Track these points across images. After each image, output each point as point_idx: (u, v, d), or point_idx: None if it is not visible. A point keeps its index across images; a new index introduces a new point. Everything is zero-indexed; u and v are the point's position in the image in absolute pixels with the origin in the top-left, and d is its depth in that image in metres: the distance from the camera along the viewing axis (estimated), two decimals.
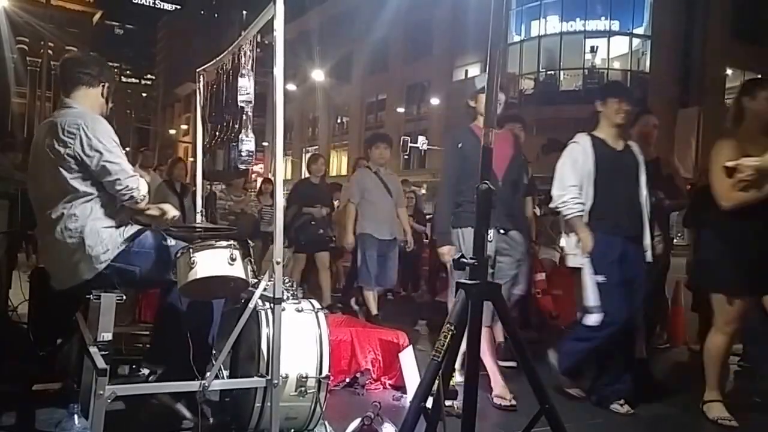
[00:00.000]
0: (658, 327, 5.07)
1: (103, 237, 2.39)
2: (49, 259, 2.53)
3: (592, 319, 3.26)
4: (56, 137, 2.35)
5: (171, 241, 2.55)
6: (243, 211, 6.84)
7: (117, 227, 2.45)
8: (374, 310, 5.27)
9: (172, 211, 2.62)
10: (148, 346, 2.92)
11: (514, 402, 3.23)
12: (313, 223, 5.96)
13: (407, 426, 1.99)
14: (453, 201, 3.40)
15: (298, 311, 2.63)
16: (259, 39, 2.62)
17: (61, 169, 2.35)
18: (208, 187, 6.42)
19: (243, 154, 2.56)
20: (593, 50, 26.09)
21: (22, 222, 3.64)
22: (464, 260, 2.03)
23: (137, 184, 2.41)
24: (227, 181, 7.23)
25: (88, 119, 2.40)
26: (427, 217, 8.21)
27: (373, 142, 5.63)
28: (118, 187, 2.38)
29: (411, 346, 3.50)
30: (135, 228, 2.51)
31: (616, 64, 26.11)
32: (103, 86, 2.59)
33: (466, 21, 21.37)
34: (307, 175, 6.53)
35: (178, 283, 2.34)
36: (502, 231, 3.33)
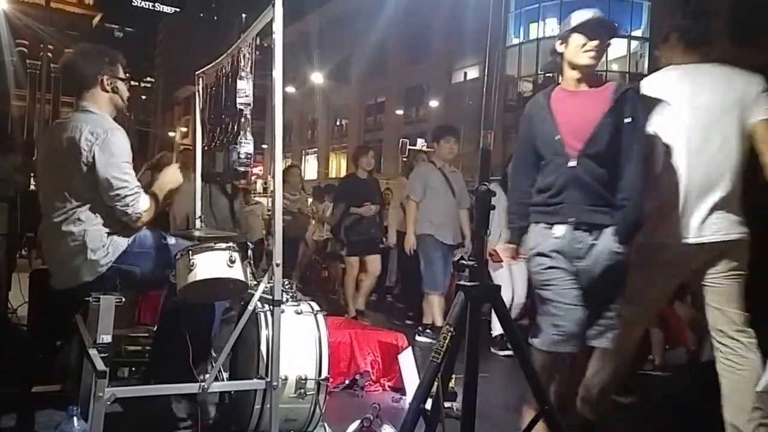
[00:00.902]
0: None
1: (105, 242, 2.39)
2: (51, 260, 2.52)
3: None
4: (73, 142, 2.35)
5: (171, 240, 2.55)
6: (300, 210, 6.35)
7: (120, 234, 2.44)
8: (439, 320, 4.67)
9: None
10: (147, 357, 2.91)
11: None
12: (363, 222, 5.47)
13: (406, 428, 2.00)
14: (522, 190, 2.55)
15: (298, 313, 2.63)
16: (258, 41, 2.62)
17: (71, 174, 2.35)
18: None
19: (242, 156, 2.56)
20: None
21: (22, 224, 3.63)
22: (464, 262, 2.04)
23: (136, 201, 2.38)
24: (284, 178, 6.83)
25: (108, 131, 2.38)
26: None
27: (441, 135, 5.04)
28: (117, 203, 2.36)
29: (410, 348, 3.50)
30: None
31: (615, 66, 26.12)
32: (103, 80, 2.51)
33: (465, 23, 21.39)
34: (354, 169, 5.88)
35: (178, 285, 2.33)
36: (583, 228, 2.34)
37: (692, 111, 2.43)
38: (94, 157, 2.33)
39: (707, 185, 2.41)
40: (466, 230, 5.00)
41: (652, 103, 2.49)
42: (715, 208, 2.40)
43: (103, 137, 2.35)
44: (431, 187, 4.88)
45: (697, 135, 2.42)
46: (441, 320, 4.59)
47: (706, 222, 2.40)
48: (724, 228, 2.40)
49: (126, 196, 2.36)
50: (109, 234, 2.41)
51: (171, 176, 2.62)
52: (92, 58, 2.55)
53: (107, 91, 2.54)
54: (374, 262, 5.57)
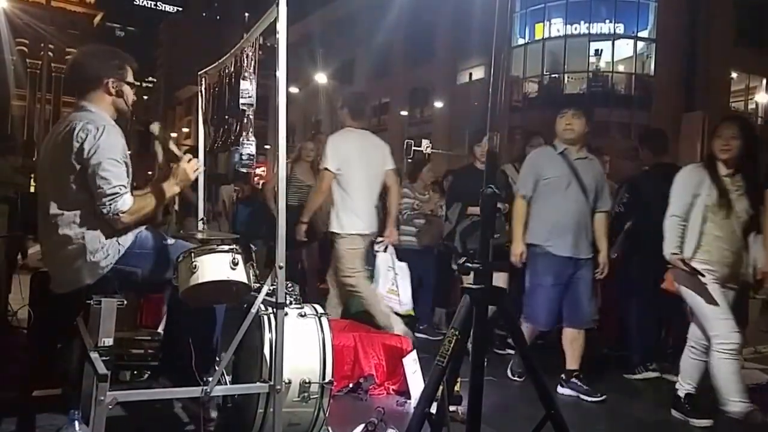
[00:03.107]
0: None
1: (104, 243, 2.37)
2: (50, 263, 2.51)
3: None
4: (67, 139, 2.34)
5: (170, 240, 2.53)
6: (432, 212, 5.40)
7: (119, 235, 2.42)
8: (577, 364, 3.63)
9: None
10: (152, 360, 2.89)
11: None
12: None
13: None
14: None
15: (301, 316, 2.60)
16: (261, 41, 2.60)
17: (66, 173, 2.33)
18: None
19: (244, 157, 2.54)
20: (598, 53, 26.03)
21: (22, 226, 3.62)
22: (469, 264, 2.01)
23: (114, 200, 2.30)
24: (413, 176, 5.70)
25: (100, 127, 2.35)
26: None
27: (558, 111, 3.86)
28: (97, 200, 2.31)
29: (414, 351, 3.48)
30: (135, 230, 2.48)
31: (621, 68, 26.04)
32: (108, 83, 2.49)
33: (470, 24, 21.34)
34: (472, 159, 4.76)
35: (180, 288, 2.32)
36: None
37: None
38: (84, 153, 2.30)
39: None
40: (600, 242, 3.77)
41: None
42: None
43: (94, 133, 2.32)
44: (546, 180, 3.70)
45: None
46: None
47: None
48: None
49: (106, 194, 2.29)
50: (107, 236, 2.38)
51: (184, 174, 2.54)
52: (101, 59, 2.53)
53: (111, 94, 2.51)
54: (498, 282, 4.53)
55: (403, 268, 4.50)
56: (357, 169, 4.02)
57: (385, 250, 4.40)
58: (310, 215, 4.24)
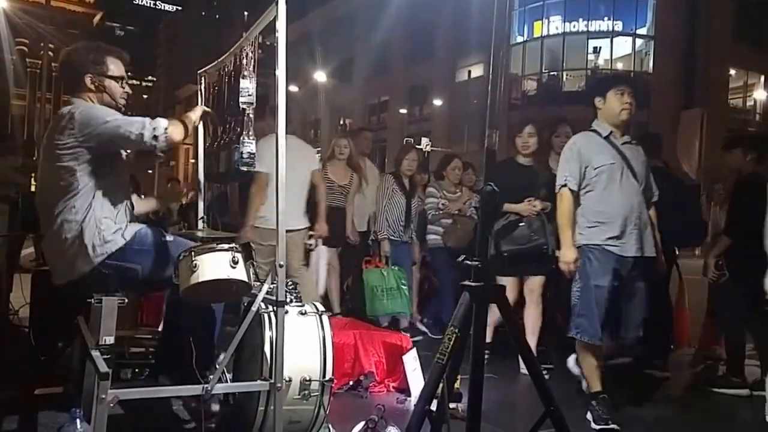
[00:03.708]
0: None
1: (101, 228, 2.38)
2: (49, 254, 2.51)
3: None
4: (56, 129, 2.36)
5: (170, 237, 2.53)
6: (461, 212, 5.10)
7: (116, 222, 2.43)
8: (596, 386, 3.10)
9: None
10: (153, 358, 2.89)
11: None
12: (521, 225, 3.89)
13: (412, 429, 1.99)
14: None
15: (301, 314, 2.61)
16: (260, 40, 2.60)
17: (62, 161, 2.34)
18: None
19: (244, 156, 2.54)
20: (596, 51, 26.04)
21: (23, 225, 3.62)
22: (468, 262, 2.02)
23: (150, 125, 2.32)
24: (440, 173, 5.40)
25: (82, 107, 2.39)
26: None
27: (606, 86, 3.23)
28: (133, 137, 2.31)
29: (414, 349, 3.49)
30: (135, 227, 2.49)
31: (619, 65, 26.03)
32: (86, 79, 2.49)
33: (469, 22, 21.33)
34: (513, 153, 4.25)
35: (180, 286, 2.32)
36: None
37: None
38: (79, 131, 2.32)
39: None
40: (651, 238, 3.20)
41: None
42: None
43: (79, 107, 2.38)
44: (595, 167, 3.14)
45: None
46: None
47: None
48: None
49: (140, 132, 2.31)
50: (105, 219, 2.39)
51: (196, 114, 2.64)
52: (79, 56, 2.53)
53: (93, 91, 2.52)
54: (532, 285, 3.99)
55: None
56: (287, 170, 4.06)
57: (315, 244, 4.70)
58: (251, 217, 4.18)
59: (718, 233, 4.13)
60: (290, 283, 2.59)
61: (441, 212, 5.09)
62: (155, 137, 2.32)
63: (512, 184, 3.77)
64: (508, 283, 3.76)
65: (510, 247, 3.87)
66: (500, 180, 2.04)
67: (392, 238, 5.09)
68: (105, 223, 2.39)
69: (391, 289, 4.87)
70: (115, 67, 2.56)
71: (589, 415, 3.05)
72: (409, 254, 5.26)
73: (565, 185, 3.16)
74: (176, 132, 2.40)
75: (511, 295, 3.66)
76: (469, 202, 5.15)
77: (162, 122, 2.36)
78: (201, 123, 2.85)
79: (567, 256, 3.11)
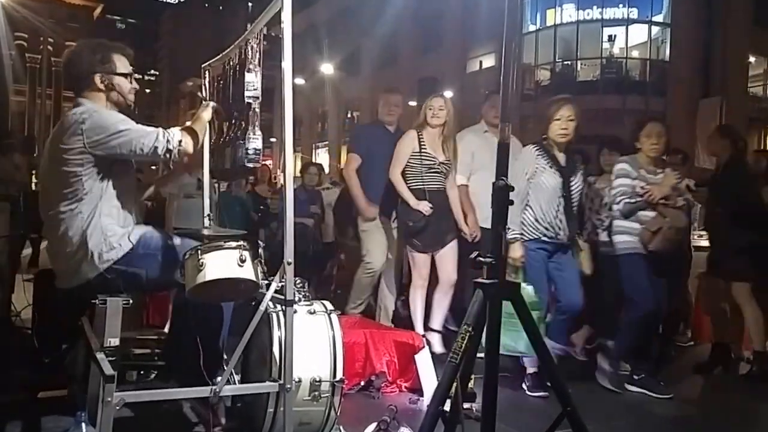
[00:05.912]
0: (681, 325, 4.96)
1: (107, 234, 2.34)
2: (53, 258, 2.48)
3: None
4: (63, 133, 2.31)
5: (177, 240, 2.49)
6: (667, 201, 4.72)
7: (122, 227, 2.39)
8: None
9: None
10: (159, 360, 2.86)
11: None
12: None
13: (425, 430, 1.94)
14: None
15: (311, 313, 2.56)
16: (266, 32, 2.54)
17: (67, 165, 2.30)
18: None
19: (250, 152, 2.48)
20: (611, 39, 25.68)
21: (25, 225, 3.60)
22: (481, 259, 1.95)
23: (164, 137, 2.28)
24: (632, 147, 4.07)
25: (93, 112, 2.33)
26: None
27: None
28: (146, 150, 2.27)
29: (427, 348, 3.42)
30: (141, 229, 2.45)
31: (635, 53, 25.69)
32: (95, 78, 2.44)
33: (479, 11, 21.13)
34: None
35: (186, 285, 2.28)
36: None
37: None
38: (88, 139, 2.27)
39: None
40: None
41: None
42: None
43: (90, 113, 2.32)
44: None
45: None
46: None
47: None
48: None
49: (144, 137, 2.27)
50: (110, 225, 2.35)
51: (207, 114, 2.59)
52: (86, 56, 2.47)
53: (101, 90, 2.46)
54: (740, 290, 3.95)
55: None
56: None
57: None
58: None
59: None
60: (299, 281, 2.54)
61: (639, 201, 3.57)
62: (169, 150, 2.29)
63: None
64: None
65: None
66: None
67: (532, 237, 3.48)
68: (111, 230, 2.35)
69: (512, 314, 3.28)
70: (121, 63, 2.52)
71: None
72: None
73: None
74: (190, 144, 2.37)
75: None
76: (681, 187, 3.77)
77: (176, 134, 2.32)
78: None
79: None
